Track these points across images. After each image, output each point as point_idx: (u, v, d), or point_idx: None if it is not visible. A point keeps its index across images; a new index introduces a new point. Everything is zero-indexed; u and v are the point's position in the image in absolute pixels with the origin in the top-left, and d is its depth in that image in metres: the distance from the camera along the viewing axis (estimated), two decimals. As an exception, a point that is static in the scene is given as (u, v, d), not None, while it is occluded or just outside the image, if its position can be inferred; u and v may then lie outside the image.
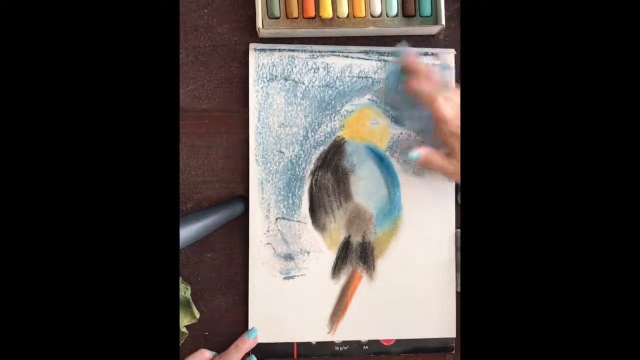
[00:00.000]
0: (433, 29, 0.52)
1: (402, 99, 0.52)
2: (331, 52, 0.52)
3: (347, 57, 0.52)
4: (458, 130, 0.46)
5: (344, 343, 0.53)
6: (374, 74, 0.52)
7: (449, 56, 0.53)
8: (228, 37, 0.52)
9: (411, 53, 0.50)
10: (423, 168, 0.52)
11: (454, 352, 0.53)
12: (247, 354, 0.51)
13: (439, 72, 0.52)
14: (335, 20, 0.51)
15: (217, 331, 0.52)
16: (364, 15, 0.51)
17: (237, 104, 0.52)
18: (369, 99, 0.52)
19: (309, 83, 0.52)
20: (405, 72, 0.51)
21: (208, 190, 0.52)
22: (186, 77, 0.52)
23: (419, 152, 0.48)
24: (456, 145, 0.47)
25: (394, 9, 0.51)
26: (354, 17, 0.51)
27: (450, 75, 0.53)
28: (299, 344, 0.52)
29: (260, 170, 0.52)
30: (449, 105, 0.47)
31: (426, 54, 0.53)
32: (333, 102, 0.52)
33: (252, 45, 0.51)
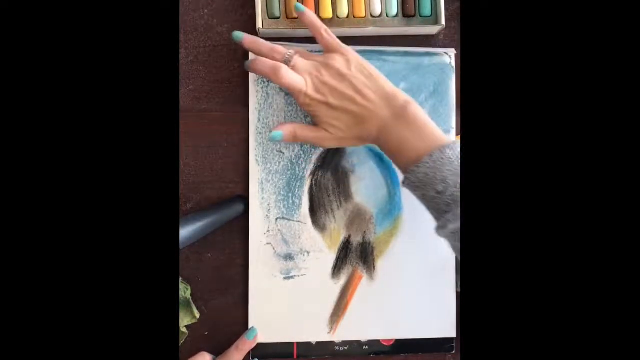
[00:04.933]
0: (433, 29, 0.52)
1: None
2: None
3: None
4: (316, 95, 0.45)
5: (344, 343, 0.53)
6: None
7: (447, 56, 0.53)
8: (228, 37, 0.52)
9: (247, 37, 0.48)
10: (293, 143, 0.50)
11: (454, 352, 0.53)
12: (249, 355, 0.51)
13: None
14: (335, 20, 0.51)
15: (217, 331, 0.52)
16: (364, 15, 0.51)
17: (237, 104, 0.52)
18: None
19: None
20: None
21: (208, 190, 0.52)
22: (186, 77, 0.52)
23: (281, 130, 0.46)
24: (319, 110, 0.45)
25: (394, 9, 0.51)
26: (354, 17, 0.51)
27: (450, 75, 0.53)
28: (299, 344, 0.52)
29: (260, 170, 0.52)
30: (299, 72, 0.45)
31: (427, 54, 0.53)
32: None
33: (252, 45, 0.51)
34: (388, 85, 0.46)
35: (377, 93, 0.45)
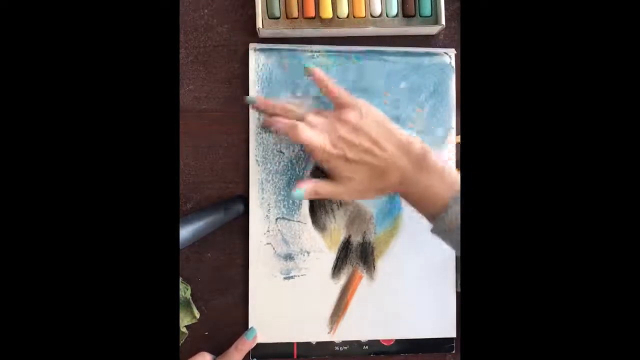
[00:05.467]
0: (433, 29, 0.52)
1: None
2: (331, 52, 0.52)
3: (347, 57, 0.52)
4: (333, 151, 0.45)
5: (344, 343, 0.53)
6: (374, 74, 0.52)
7: (447, 56, 0.53)
8: (228, 37, 0.52)
9: (260, 99, 0.50)
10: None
11: (454, 352, 0.53)
12: (249, 355, 0.51)
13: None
14: (335, 20, 0.51)
15: (217, 331, 0.52)
16: (364, 15, 0.51)
17: (237, 104, 0.52)
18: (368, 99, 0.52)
19: (309, 83, 0.52)
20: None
21: (208, 190, 0.52)
22: (186, 77, 0.52)
23: (303, 188, 0.46)
24: (337, 165, 0.45)
25: (394, 9, 0.51)
26: (354, 17, 0.51)
27: (450, 75, 0.53)
28: (299, 344, 0.52)
29: (260, 170, 0.52)
30: (314, 129, 0.45)
31: (427, 54, 0.53)
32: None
33: (252, 45, 0.51)
34: (403, 133, 0.45)
35: (393, 143, 0.45)
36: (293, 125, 0.45)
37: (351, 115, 0.45)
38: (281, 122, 0.46)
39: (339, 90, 0.47)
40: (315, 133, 0.45)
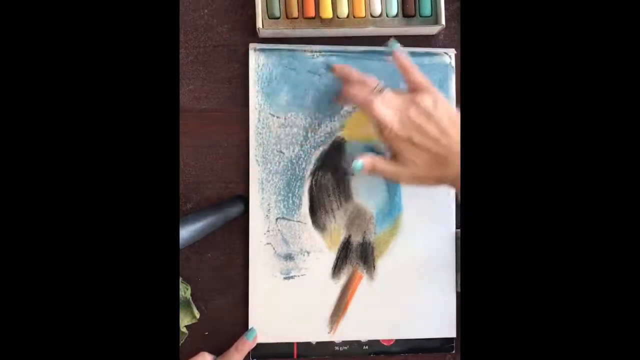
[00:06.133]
0: (433, 29, 0.52)
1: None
2: (331, 52, 0.52)
3: (347, 57, 0.52)
4: (401, 132, 0.45)
5: (344, 343, 0.53)
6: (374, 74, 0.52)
7: (447, 56, 0.53)
8: (228, 37, 0.52)
9: (338, 65, 0.50)
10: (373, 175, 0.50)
11: (454, 352, 0.53)
12: (249, 355, 0.51)
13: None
14: (335, 20, 0.51)
15: (217, 331, 0.52)
16: (364, 15, 0.51)
17: (237, 104, 0.52)
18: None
19: (310, 83, 0.52)
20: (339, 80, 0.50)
21: (208, 190, 0.52)
22: (186, 77, 0.52)
23: (363, 161, 0.47)
24: (402, 146, 0.45)
25: (394, 9, 0.51)
26: (354, 17, 0.51)
27: (450, 75, 0.53)
28: (299, 344, 0.52)
29: (260, 170, 0.52)
30: (387, 106, 0.45)
31: (427, 54, 0.53)
32: (333, 103, 0.52)
33: (252, 45, 0.51)
34: None
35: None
36: (369, 99, 0.45)
37: (426, 101, 0.45)
38: (359, 92, 0.46)
39: (416, 73, 0.47)
40: (388, 110, 0.45)
